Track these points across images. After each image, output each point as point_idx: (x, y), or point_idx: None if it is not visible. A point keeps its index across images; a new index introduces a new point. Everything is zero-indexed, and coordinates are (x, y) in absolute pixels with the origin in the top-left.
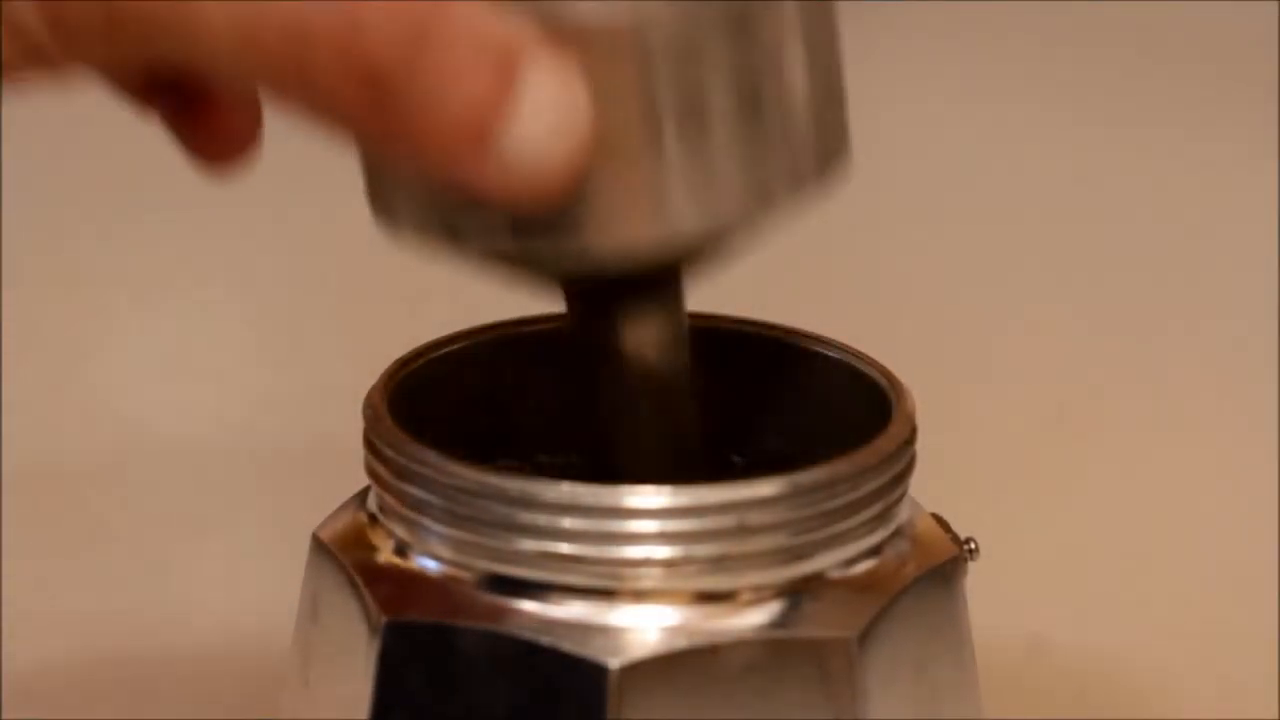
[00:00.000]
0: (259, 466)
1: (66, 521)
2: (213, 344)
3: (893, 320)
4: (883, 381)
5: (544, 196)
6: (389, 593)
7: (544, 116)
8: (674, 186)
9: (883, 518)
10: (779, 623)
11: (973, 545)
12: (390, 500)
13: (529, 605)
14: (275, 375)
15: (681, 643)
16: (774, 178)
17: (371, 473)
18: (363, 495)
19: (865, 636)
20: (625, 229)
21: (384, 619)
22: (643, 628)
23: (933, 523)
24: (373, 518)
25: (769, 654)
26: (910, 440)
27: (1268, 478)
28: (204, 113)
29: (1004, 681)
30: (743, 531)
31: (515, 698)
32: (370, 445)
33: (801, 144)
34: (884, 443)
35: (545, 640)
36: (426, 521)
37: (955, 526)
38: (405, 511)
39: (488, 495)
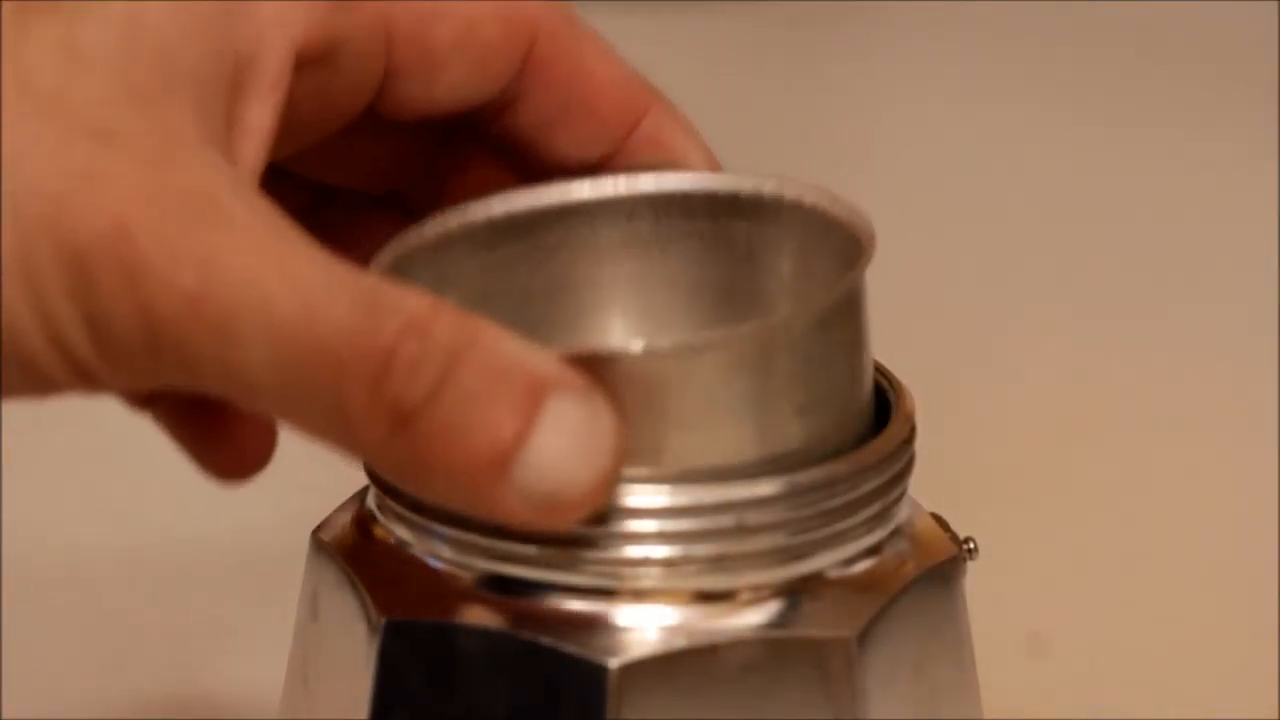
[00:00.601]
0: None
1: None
2: None
3: (892, 320)
4: (882, 381)
5: (563, 523)
6: (389, 593)
7: (564, 447)
8: None
9: (882, 517)
10: (778, 622)
11: (972, 545)
12: (390, 500)
13: (529, 605)
14: None
15: (681, 642)
16: None
17: (371, 473)
18: (363, 495)
19: (864, 636)
20: None
21: (384, 619)
22: (642, 627)
23: (932, 522)
24: (373, 517)
25: (768, 654)
26: (910, 440)
27: (1268, 478)
28: (216, 425)
29: (1004, 681)
30: (741, 531)
31: (515, 698)
32: None
33: None
34: (883, 443)
35: (545, 640)
36: (426, 521)
37: (955, 526)
38: (405, 511)
39: None
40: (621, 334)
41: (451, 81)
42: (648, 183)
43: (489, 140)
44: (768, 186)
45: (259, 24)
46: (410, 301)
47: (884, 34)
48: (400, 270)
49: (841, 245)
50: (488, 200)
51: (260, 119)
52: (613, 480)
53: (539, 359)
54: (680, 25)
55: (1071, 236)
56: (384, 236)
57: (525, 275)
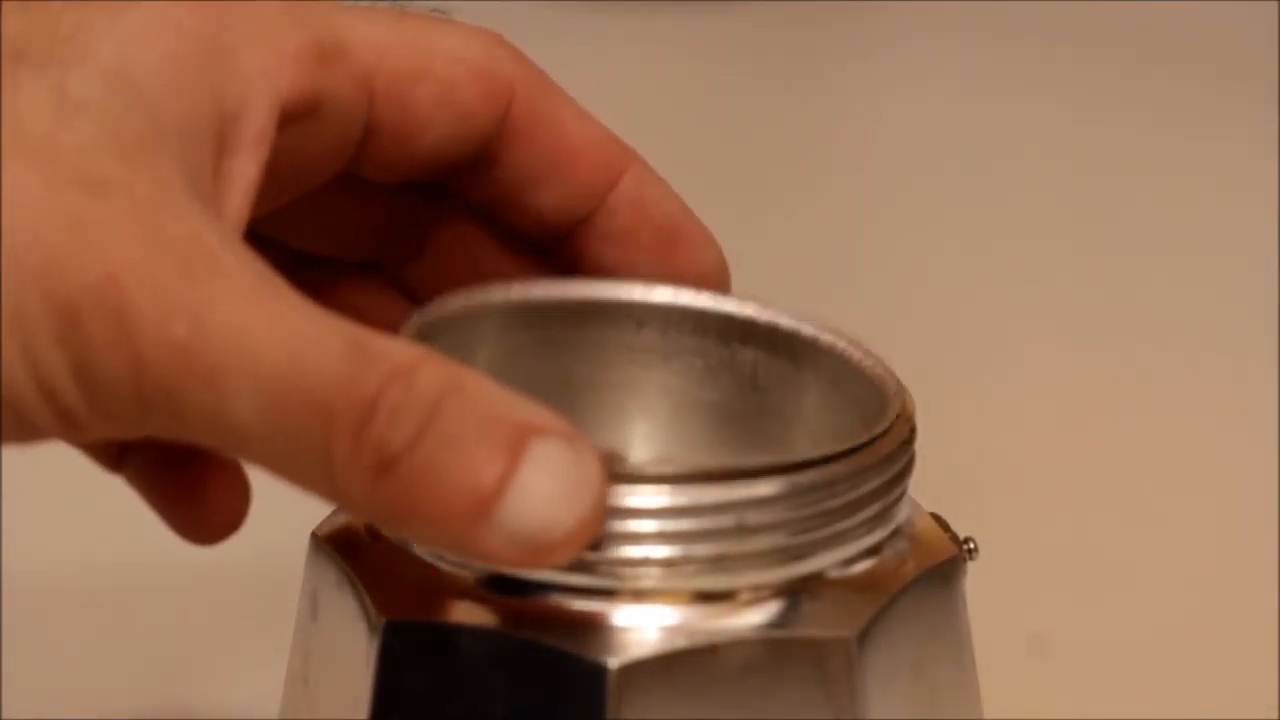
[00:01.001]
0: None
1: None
2: None
3: (893, 320)
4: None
5: (547, 564)
6: (389, 593)
7: (548, 490)
8: None
9: (882, 517)
10: (778, 622)
11: (972, 545)
12: None
13: (529, 605)
14: None
15: (681, 642)
16: None
17: None
18: None
19: (864, 636)
20: None
21: (384, 619)
22: (642, 627)
23: (932, 522)
24: None
25: (768, 654)
26: (910, 440)
27: (1268, 478)
28: (187, 488)
29: (1004, 681)
30: (742, 531)
31: (515, 697)
32: None
33: None
34: (884, 443)
35: (545, 640)
36: None
37: (955, 526)
38: None
39: None
40: (619, 439)
41: (431, 141)
42: (663, 294)
43: (467, 202)
44: (784, 321)
45: (245, 77)
46: (396, 350)
47: (884, 34)
48: (420, 343)
49: (858, 389)
50: (508, 285)
51: (245, 172)
52: (597, 523)
53: (523, 406)
54: (680, 25)
55: (1071, 236)
56: (360, 303)
57: (534, 365)
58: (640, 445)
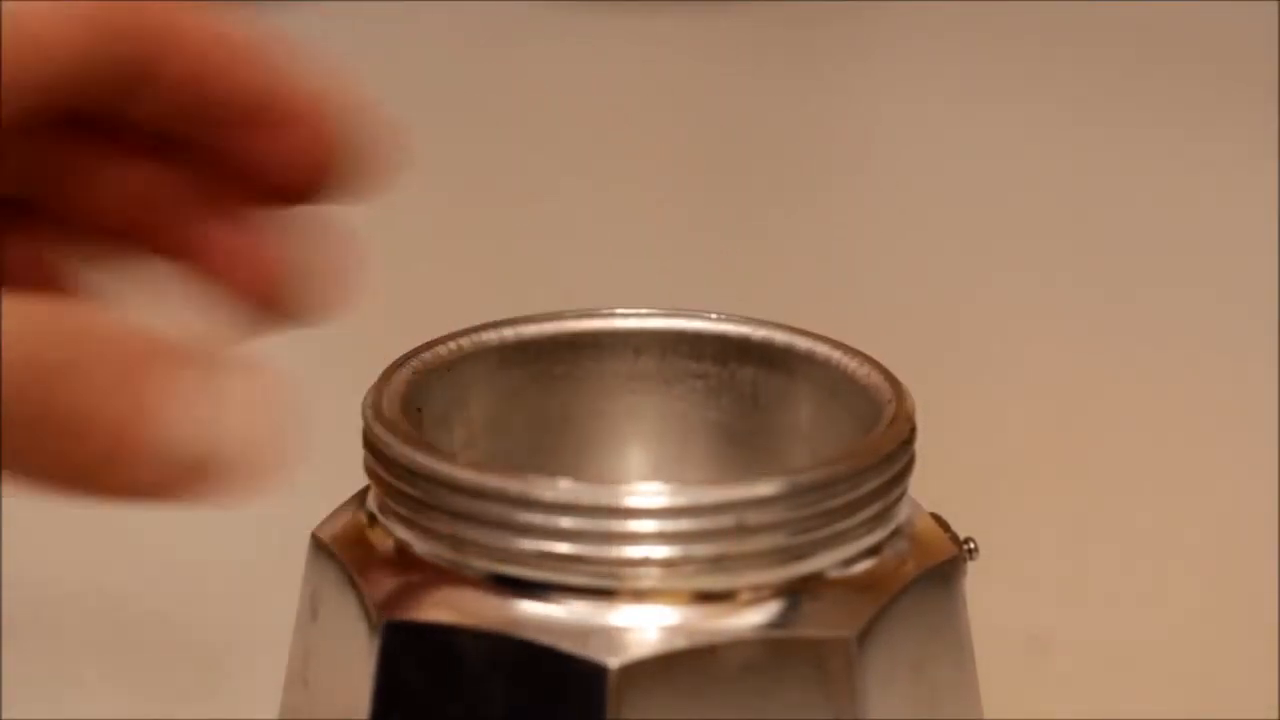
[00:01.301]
0: None
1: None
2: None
3: (893, 320)
4: (882, 381)
5: (211, 491)
6: (389, 593)
7: (193, 416)
8: None
9: (882, 517)
10: (778, 622)
11: (972, 545)
12: (390, 500)
13: (529, 605)
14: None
15: (680, 642)
16: None
17: (371, 473)
18: (362, 495)
19: (864, 636)
20: None
21: (384, 619)
22: (642, 627)
23: (932, 522)
24: (372, 517)
25: (768, 654)
26: (910, 440)
27: (1268, 478)
28: None
29: (1004, 681)
30: (741, 531)
31: (515, 697)
32: (370, 445)
33: None
34: (883, 443)
35: (545, 640)
36: (426, 521)
37: (955, 526)
38: (405, 511)
39: (487, 495)
40: (624, 468)
41: (55, 82)
42: (656, 320)
43: (118, 130)
44: (779, 337)
45: None
46: (20, 306)
47: (884, 34)
48: (415, 390)
49: (854, 399)
50: (499, 326)
51: None
52: (250, 443)
53: (155, 337)
54: (680, 25)
55: (1071, 236)
56: (12, 244)
57: (533, 402)
58: (645, 472)
